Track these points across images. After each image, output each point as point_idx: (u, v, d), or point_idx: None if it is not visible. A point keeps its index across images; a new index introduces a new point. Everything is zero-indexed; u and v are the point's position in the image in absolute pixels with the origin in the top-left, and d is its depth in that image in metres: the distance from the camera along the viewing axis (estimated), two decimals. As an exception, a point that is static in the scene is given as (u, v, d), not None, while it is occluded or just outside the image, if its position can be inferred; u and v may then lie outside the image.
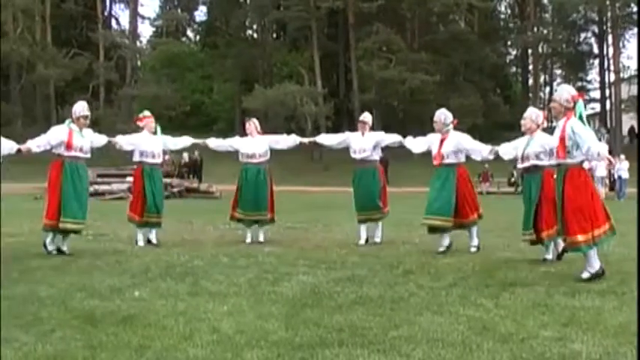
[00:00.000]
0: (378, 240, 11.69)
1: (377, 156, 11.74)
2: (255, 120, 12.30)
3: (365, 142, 11.60)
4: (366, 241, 11.62)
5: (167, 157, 10.41)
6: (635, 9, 51.16)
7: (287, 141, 12.18)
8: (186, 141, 12.23)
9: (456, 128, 10.78)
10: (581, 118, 8.05)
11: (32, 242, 11.60)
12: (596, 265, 7.95)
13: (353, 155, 11.73)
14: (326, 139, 12.56)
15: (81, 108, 10.52)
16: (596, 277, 7.87)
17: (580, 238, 7.87)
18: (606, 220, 8.05)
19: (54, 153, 10.32)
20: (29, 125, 54.83)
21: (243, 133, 12.30)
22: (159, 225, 11.67)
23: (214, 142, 12.41)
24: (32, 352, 5.02)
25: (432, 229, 10.67)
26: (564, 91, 8.24)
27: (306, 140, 12.58)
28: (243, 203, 11.77)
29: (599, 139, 9.55)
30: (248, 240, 11.71)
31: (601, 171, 30.28)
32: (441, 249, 10.47)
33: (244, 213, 11.79)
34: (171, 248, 10.64)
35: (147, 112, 12.04)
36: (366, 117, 11.88)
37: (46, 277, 8.08)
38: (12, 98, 54.74)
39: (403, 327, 5.68)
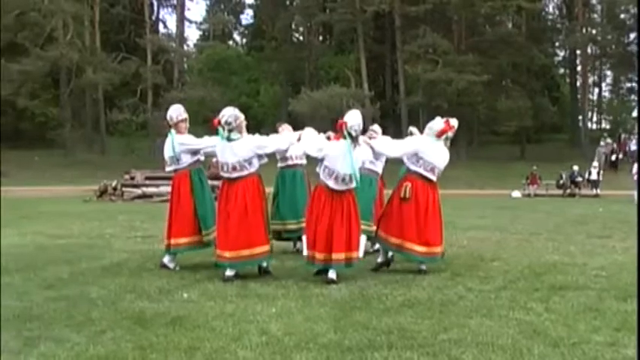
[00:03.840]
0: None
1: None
2: (287, 125, 10.35)
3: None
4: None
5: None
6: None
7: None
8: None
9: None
10: None
11: (83, 244, 11.77)
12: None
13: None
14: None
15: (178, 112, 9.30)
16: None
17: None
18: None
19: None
20: (78, 129, 55.88)
21: None
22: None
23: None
24: (84, 352, 5.10)
25: None
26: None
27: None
28: (282, 212, 10.37)
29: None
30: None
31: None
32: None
33: (282, 223, 10.33)
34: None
35: None
36: (375, 127, 10.41)
37: (96, 279, 8.19)
38: (62, 102, 55.55)
39: (452, 330, 5.66)
